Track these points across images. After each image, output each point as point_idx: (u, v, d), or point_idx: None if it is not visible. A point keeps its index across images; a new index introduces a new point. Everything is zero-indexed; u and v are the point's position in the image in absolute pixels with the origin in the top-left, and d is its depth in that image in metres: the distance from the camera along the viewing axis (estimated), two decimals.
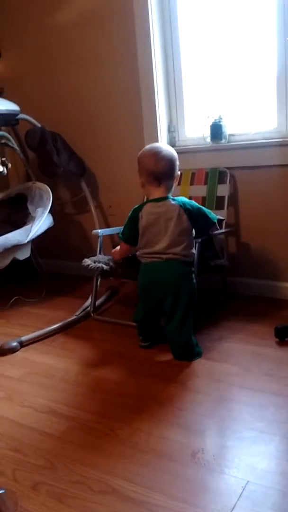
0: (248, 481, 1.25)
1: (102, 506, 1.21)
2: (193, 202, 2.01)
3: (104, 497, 1.24)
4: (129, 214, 2.04)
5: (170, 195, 1.99)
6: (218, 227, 2.12)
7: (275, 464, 1.32)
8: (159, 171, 1.94)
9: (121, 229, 2.13)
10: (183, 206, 1.95)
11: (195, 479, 1.28)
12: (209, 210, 2.06)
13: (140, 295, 2.05)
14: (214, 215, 2.07)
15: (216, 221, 2.05)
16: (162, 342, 2.04)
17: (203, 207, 2.02)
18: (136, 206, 2.04)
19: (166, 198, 1.97)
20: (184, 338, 1.94)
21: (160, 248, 1.94)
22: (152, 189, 1.99)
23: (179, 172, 2.05)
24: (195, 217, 1.97)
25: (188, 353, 1.94)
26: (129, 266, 2.23)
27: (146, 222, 1.96)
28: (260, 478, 1.26)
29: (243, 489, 1.23)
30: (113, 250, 2.24)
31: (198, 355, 1.95)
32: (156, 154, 1.94)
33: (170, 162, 1.96)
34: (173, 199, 1.97)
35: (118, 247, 2.20)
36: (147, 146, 2.06)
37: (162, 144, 2.06)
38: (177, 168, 2.02)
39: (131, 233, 2.04)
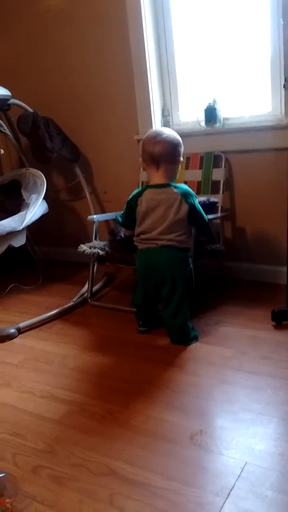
0: (246, 462, 1.27)
1: (101, 488, 1.22)
2: (194, 197, 1.96)
3: (104, 479, 1.25)
4: (128, 198, 2.02)
5: (172, 183, 1.95)
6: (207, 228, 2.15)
7: (273, 446, 1.33)
8: (156, 152, 1.91)
9: (121, 213, 2.15)
10: (184, 196, 1.91)
11: (193, 461, 1.29)
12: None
13: (138, 280, 2.06)
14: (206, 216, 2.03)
15: (207, 221, 2.05)
16: (160, 326, 2.05)
17: (199, 207, 1.98)
18: (136, 191, 2.02)
19: (168, 185, 1.93)
20: (180, 323, 1.95)
21: (155, 234, 1.93)
22: (151, 173, 1.97)
23: (181, 158, 2.00)
24: (190, 212, 1.93)
25: (184, 337, 1.95)
26: (126, 250, 2.23)
27: (146, 208, 1.94)
28: (258, 459, 1.28)
29: (242, 470, 1.24)
30: None
31: (194, 339, 1.96)
32: (156, 137, 1.93)
33: (169, 145, 1.92)
34: (175, 187, 1.93)
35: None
36: (153, 129, 2.07)
37: (166, 128, 2.01)
38: (179, 153, 1.97)
39: (128, 218, 2.05)
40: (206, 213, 2.08)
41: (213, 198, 2.32)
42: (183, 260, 1.95)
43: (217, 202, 2.37)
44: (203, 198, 2.25)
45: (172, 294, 1.94)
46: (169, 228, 1.91)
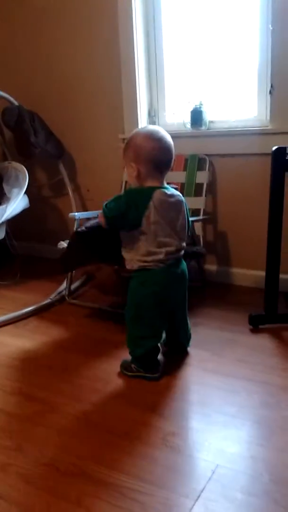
0: (217, 465, 1.26)
1: (70, 488, 1.19)
2: None
3: (73, 479, 1.23)
4: (132, 196, 1.65)
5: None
6: None
7: (245, 448, 1.32)
8: (168, 161, 1.66)
9: (107, 203, 1.68)
10: (184, 199, 1.73)
11: (165, 462, 1.28)
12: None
13: (152, 311, 1.67)
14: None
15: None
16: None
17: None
18: (142, 189, 1.65)
19: (168, 187, 1.69)
20: (189, 329, 1.87)
21: (177, 245, 1.66)
22: (150, 180, 1.65)
23: None
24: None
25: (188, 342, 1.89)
26: (89, 248, 2.03)
27: (160, 214, 1.60)
28: (229, 462, 1.27)
29: (213, 472, 1.23)
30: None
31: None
32: (161, 141, 1.63)
33: (173, 150, 1.68)
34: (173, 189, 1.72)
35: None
36: (145, 130, 1.70)
37: (161, 129, 1.70)
38: None
39: (124, 218, 1.63)
40: (189, 259, 2.01)
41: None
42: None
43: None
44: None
45: (183, 307, 1.80)
46: (182, 237, 1.69)
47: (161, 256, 1.63)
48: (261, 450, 1.31)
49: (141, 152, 1.63)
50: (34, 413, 1.51)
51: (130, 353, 1.72)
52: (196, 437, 1.38)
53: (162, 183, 1.68)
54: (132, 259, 1.67)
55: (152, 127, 1.73)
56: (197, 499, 1.14)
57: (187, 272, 1.75)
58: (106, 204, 1.68)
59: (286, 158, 1.89)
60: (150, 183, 1.65)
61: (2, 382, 1.70)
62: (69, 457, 1.31)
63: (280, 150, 1.88)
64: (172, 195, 1.65)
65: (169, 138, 1.67)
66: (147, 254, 1.63)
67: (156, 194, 1.61)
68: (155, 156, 1.62)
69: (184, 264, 1.74)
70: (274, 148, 1.89)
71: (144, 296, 1.65)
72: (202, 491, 1.17)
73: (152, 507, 1.13)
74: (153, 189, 1.62)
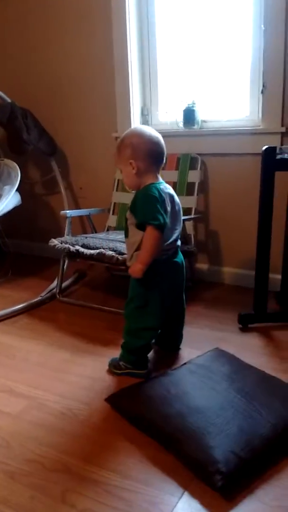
0: None
1: (55, 484, 1.19)
2: None
3: (58, 475, 1.23)
4: (154, 193, 1.58)
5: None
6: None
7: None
8: (161, 154, 1.67)
9: (146, 218, 1.56)
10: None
11: (150, 460, 1.28)
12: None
13: (160, 304, 1.68)
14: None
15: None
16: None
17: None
18: (152, 185, 1.61)
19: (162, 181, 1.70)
20: (181, 332, 1.90)
21: (177, 235, 1.70)
22: (149, 175, 1.65)
23: None
24: None
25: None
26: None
27: (169, 206, 1.65)
28: None
29: None
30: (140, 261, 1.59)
31: None
32: (158, 138, 1.66)
33: (164, 144, 1.70)
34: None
35: (136, 264, 1.60)
36: (135, 128, 1.74)
37: (145, 126, 1.74)
38: None
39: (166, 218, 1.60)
40: None
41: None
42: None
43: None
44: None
45: (181, 298, 1.83)
46: (179, 227, 1.72)
47: (165, 246, 1.64)
48: None
49: (138, 148, 1.63)
50: (21, 410, 1.51)
51: (125, 346, 1.72)
52: None
53: (158, 178, 1.68)
54: None
55: (139, 126, 1.76)
56: (181, 496, 1.15)
57: (184, 263, 1.76)
58: (146, 220, 1.56)
59: (276, 157, 1.89)
60: (149, 179, 1.65)
61: None
62: (55, 453, 1.31)
63: (270, 149, 1.89)
64: (168, 187, 1.68)
65: (158, 134, 1.69)
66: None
67: (162, 187, 1.63)
68: (152, 150, 1.64)
69: (181, 255, 1.75)
70: (264, 147, 1.90)
71: (149, 285, 1.65)
72: (186, 488, 1.17)
73: (137, 504, 1.13)
74: (160, 183, 1.64)
